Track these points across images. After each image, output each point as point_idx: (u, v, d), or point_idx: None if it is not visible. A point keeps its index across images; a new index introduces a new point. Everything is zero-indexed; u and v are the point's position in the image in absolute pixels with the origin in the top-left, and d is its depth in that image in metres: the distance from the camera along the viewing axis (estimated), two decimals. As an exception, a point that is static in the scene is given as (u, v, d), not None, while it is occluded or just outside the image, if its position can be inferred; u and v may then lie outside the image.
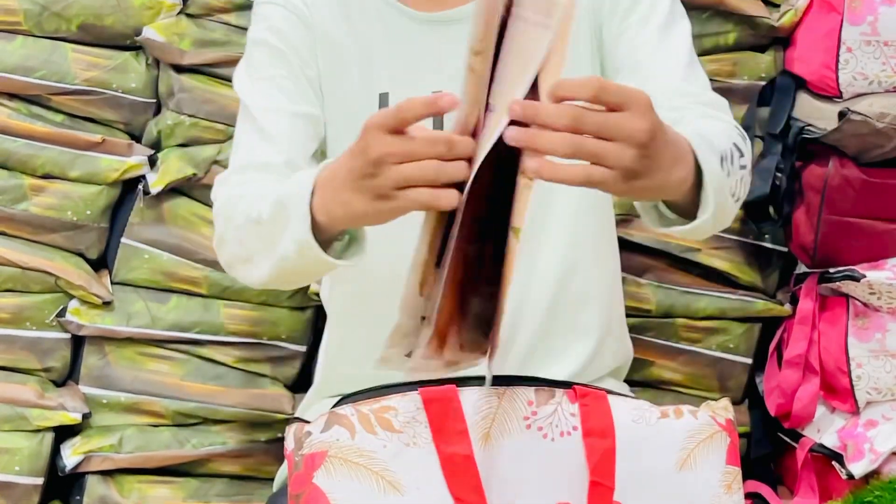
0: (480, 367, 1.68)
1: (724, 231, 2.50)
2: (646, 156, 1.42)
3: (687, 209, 1.63)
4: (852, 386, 2.49)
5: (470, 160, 1.44)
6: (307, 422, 1.63)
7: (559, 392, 1.64)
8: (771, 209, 2.56)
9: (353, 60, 1.98)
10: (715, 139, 1.67)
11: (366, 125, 1.48)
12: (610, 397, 1.66)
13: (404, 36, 1.98)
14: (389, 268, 1.85)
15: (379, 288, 1.90)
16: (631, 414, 1.65)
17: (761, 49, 2.58)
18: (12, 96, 2.44)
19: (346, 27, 1.99)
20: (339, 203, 1.57)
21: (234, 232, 1.86)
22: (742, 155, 1.73)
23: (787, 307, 2.60)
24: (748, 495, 2.40)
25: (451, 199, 1.42)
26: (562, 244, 2.02)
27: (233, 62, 2.30)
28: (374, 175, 1.47)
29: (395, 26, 1.98)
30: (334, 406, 1.66)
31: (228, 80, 2.32)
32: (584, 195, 1.92)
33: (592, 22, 2.01)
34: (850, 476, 2.45)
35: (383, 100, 1.96)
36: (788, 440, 2.60)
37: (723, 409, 1.69)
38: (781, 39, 2.57)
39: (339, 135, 1.99)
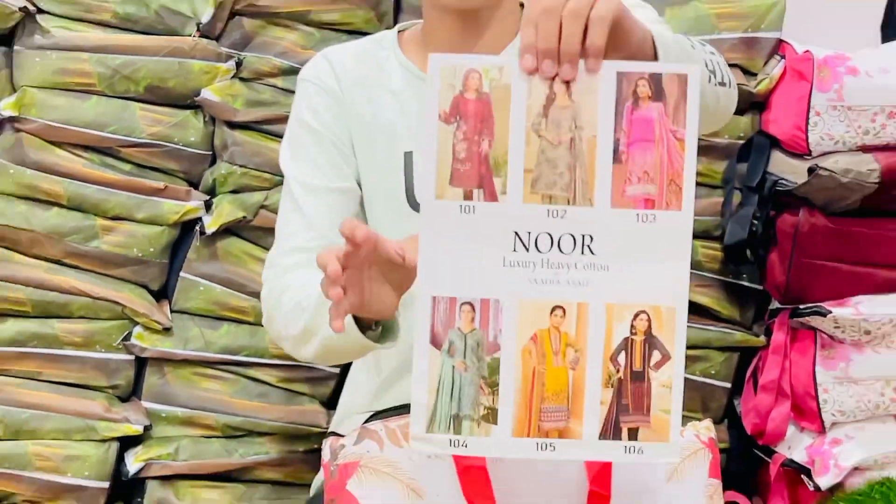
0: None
1: (707, 271, 2.53)
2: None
3: None
4: (819, 408, 2.49)
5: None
6: (341, 435, 1.65)
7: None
8: (748, 252, 2.54)
9: (380, 125, 1.97)
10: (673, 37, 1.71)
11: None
12: None
13: (421, 99, 1.94)
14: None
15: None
16: None
17: (740, 112, 2.51)
18: (87, 148, 2.43)
19: (372, 95, 1.98)
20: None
21: (282, 318, 1.87)
22: (713, 52, 1.80)
23: (762, 339, 2.60)
24: None
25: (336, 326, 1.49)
26: None
27: (279, 119, 2.43)
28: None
29: (417, 92, 1.97)
30: (365, 422, 1.68)
31: (275, 135, 2.43)
32: None
33: None
34: (818, 488, 2.45)
35: (408, 158, 1.95)
36: (763, 456, 2.59)
37: (706, 428, 1.70)
38: (758, 104, 2.57)
39: (374, 192, 1.99)
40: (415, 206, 1.93)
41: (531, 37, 1.46)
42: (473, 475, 1.58)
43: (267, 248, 2.28)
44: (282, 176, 2.23)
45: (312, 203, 1.95)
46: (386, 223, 1.94)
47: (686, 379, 2.38)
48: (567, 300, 1.46)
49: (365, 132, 1.97)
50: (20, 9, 2.38)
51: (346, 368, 2.33)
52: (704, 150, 2.34)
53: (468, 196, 1.45)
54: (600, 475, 1.60)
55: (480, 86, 1.46)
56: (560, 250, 1.45)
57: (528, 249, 1.45)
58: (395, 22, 2.50)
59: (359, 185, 2.00)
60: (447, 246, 1.48)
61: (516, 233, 1.47)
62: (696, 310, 2.53)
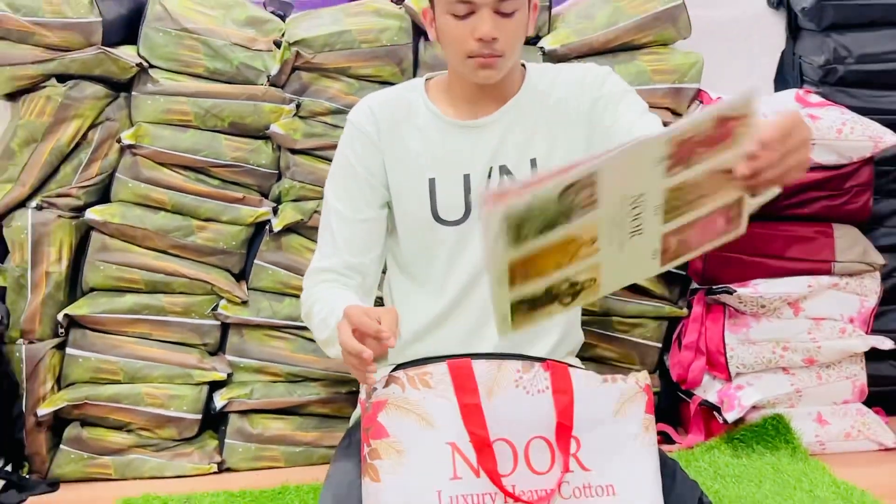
0: (488, 346, 1.86)
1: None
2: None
3: None
4: (727, 362, 2.56)
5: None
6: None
7: (537, 364, 1.70)
8: None
9: (409, 158, 1.97)
10: None
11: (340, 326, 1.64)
12: (570, 369, 1.71)
13: (444, 137, 1.97)
14: (425, 279, 2.01)
15: (416, 292, 2.03)
16: (583, 380, 1.71)
17: None
18: (186, 167, 2.49)
19: (402, 132, 1.98)
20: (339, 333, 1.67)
21: (313, 325, 1.96)
22: None
23: (685, 311, 2.64)
24: (658, 433, 2.38)
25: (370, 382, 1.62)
26: None
27: (328, 147, 2.48)
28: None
29: (438, 130, 1.97)
30: (390, 372, 1.70)
31: (325, 158, 2.50)
32: None
33: (588, 117, 1.97)
34: (725, 421, 2.51)
35: (432, 184, 1.96)
36: (685, 397, 2.64)
37: (643, 377, 1.74)
38: None
39: (405, 210, 1.99)
40: (438, 219, 1.96)
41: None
42: (471, 410, 1.65)
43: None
44: None
45: (341, 230, 1.98)
46: (416, 232, 1.99)
47: (627, 340, 2.64)
48: None
49: (397, 163, 1.97)
50: (137, 65, 2.45)
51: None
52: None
53: None
54: (565, 410, 1.67)
55: None
56: None
57: None
58: (414, 74, 2.54)
59: (389, 206, 2.01)
60: None
61: None
62: (636, 289, 2.57)
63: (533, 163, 1.98)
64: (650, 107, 2.23)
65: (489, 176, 1.97)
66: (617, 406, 1.71)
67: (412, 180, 1.98)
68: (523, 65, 2.02)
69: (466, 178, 1.97)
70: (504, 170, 1.97)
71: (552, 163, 1.97)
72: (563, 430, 1.67)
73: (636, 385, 1.73)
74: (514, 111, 1.98)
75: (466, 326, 1.96)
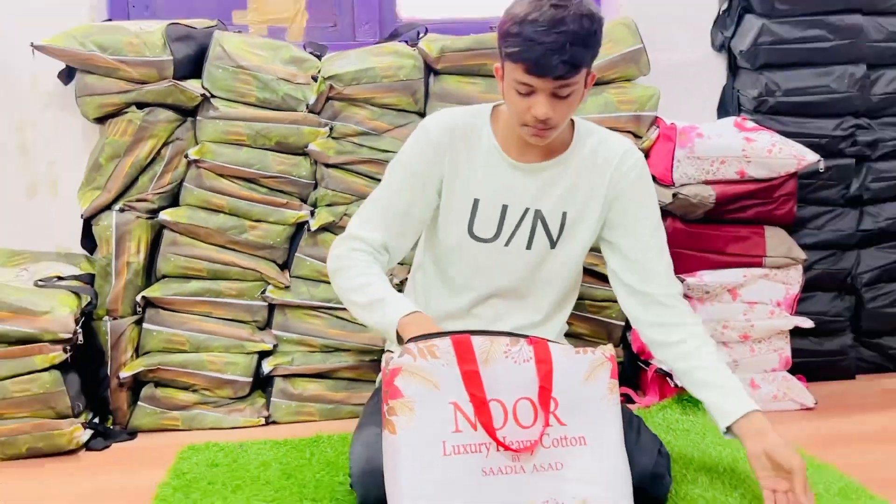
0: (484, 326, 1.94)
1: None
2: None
3: None
4: None
5: None
6: (391, 352, 1.69)
7: (522, 340, 1.71)
8: None
9: (463, 175, 1.94)
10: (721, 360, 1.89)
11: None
12: (549, 343, 1.72)
13: (496, 169, 1.93)
14: (435, 271, 2.02)
15: (440, 288, 2.05)
16: (560, 352, 1.72)
17: None
18: (240, 178, 2.49)
19: (463, 151, 1.94)
20: (405, 329, 1.74)
21: (334, 283, 1.95)
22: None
23: None
24: (622, 394, 2.33)
25: None
26: (558, 288, 2.05)
27: (355, 162, 2.49)
28: None
29: (496, 164, 1.93)
30: (406, 342, 1.70)
31: (353, 172, 2.51)
32: (576, 265, 2.04)
33: (605, 200, 1.95)
34: (676, 385, 2.50)
35: (475, 203, 1.94)
36: (643, 366, 2.61)
37: (608, 349, 1.75)
38: (644, 154, 2.20)
39: (447, 222, 1.98)
40: (472, 235, 1.96)
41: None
42: (471, 376, 1.65)
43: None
44: (357, 196, 2.42)
45: (388, 213, 1.95)
46: (452, 245, 1.98)
47: (597, 320, 2.70)
48: None
49: (454, 178, 1.94)
50: (201, 95, 2.46)
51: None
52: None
53: None
54: (546, 376, 1.68)
55: None
56: None
57: None
58: (426, 104, 2.55)
59: (437, 210, 1.97)
60: None
61: None
62: (604, 278, 2.27)
63: (564, 216, 1.97)
64: (617, 130, 2.27)
65: (523, 214, 1.96)
66: (587, 373, 1.72)
67: (460, 197, 1.96)
68: (572, 121, 1.97)
69: (504, 208, 1.96)
70: (538, 214, 1.97)
71: (582, 218, 1.97)
72: (545, 392, 1.68)
73: (602, 356, 1.74)
74: (562, 166, 1.96)
75: (478, 328, 1.92)
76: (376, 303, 1.85)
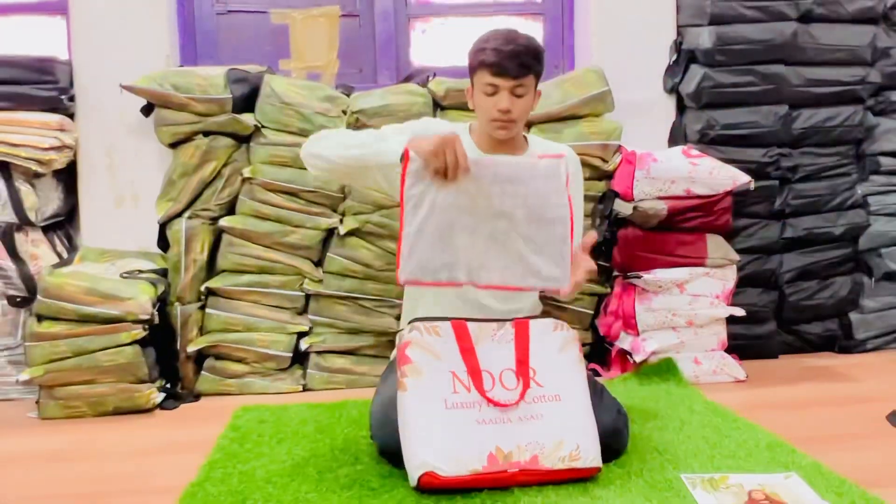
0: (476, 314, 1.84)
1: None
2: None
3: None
4: (636, 324, 2.52)
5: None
6: (401, 330, 1.72)
7: (507, 323, 1.73)
8: (603, 248, 2.56)
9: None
10: None
11: (447, 140, 1.57)
12: (531, 322, 1.74)
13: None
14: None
15: (415, 292, 1.97)
16: (540, 327, 1.74)
17: (599, 179, 2.56)
18: (284, 192, 2.46)
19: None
20: (418, 145, 1.62)
21: (316, 148, 1.77)
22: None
23: (609, 289, 2.61)
24: (590, 369, 2.52)
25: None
26: None
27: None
28: (436, 154, 1.59)
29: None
30: (410, 322, 1.72)
31: (375, 190, 2.27)
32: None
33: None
34: (635, 362, 2.49)
35: None
36: (608, 346, 2.62)
37: (576, 332, 1.78)
38: (609, 176, 2.56)
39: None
40: None
41: None
42: (467, 350, 1.68)
43: (372, 246, 2.43)
44: (377, 207, 2.40)
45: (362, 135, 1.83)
46: None
47: (571, 309, 2.50)
48: None
49: None
50: (254, 125, 2.45)
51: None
52: (588, 198, 2.38)
53: None
54: (523, 351, 1.70)
55: None
56: None
57: None
58: (434, 112, 2.51)
59: None
60: None
61: None
62: None
63: None
64: (588, 156, 2.31)
65: None
66: (560, 346, 1.75)
67: None
68: (525, 137, 2.01)
69: None
70: None
71: None
72: (522, 364, 1.70)
73: (573, 335, 1.77)
74: None
75: (471, 296, 1.87)
76: (377, 136, 1.78)
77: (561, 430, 1.63)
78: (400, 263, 1.66)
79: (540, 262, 1.68)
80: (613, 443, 1.78)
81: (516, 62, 1.81)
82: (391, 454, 1.71)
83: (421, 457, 1.57)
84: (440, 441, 1.57)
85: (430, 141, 1.62)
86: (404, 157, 1.65)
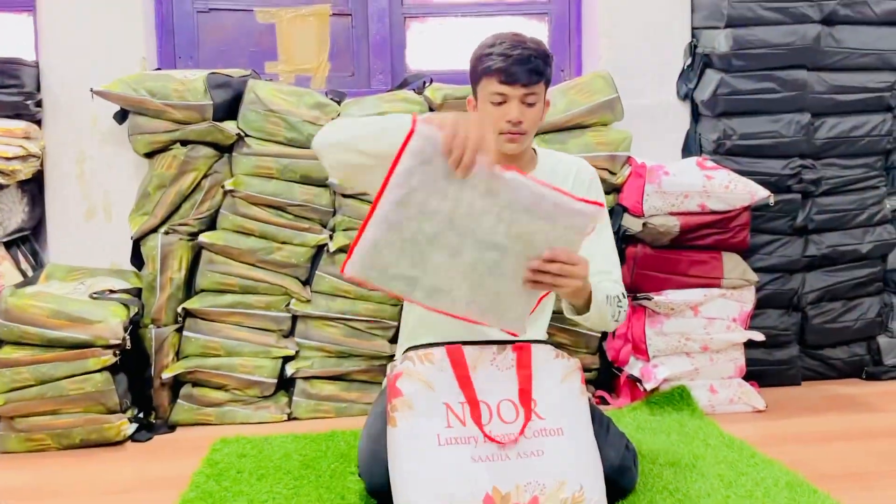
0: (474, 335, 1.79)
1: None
2: (580, 287, 1.59)
3: (581, 312, 1.72)
4: (647, 348, 2.52)
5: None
6: (393, 357, 1.71)
7: (508, 347, 1.70)
8: None
9: None
10: (607, 290, 1.73)
11: (472, 124, 1.42)
12: (532, 347, 1.69)
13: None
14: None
15: (411, 318, 1.94)
16: (542, 353, 1.71)
17: (608, 193, 2.51)
18: (269, 206, 2.45)
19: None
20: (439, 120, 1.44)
21: (332, 135, 1.66)
22: (620, 302, 1.76)
23: None
24: (597, 397, 2.54)
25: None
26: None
27: (367, 193, 2.21)
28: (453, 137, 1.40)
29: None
30: (404, 352, 1.70)
31: (366, 201, 2.43)
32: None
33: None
34: (645, 390, 2.50)
35: None
36: (617, 372, 2.62)
37: (578, 361, 1.74)
38: (617, 189, 2.56)
39: None
40: None
41: None
42: (463, 379, 1.66)
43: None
44: None
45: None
46: None
47: (577, 331, 2.49)
48: None
49: None
50: (236, 134, 2.43)
51: (398, 329, 2.20)
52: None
53: None
54: (526, 379, 1.67)
55: None
56: None
57: None
58: None
59: None
60: None
61: None
62: None
63: None
64: (595, 167, 2.17)
65: None
66: (563, 376, 1.72)
67: None
68: (534, 150, 1.97)
69: None
70: None
71: None
72: (524, 393, 1.67)
73: (574, 364, 1.75)
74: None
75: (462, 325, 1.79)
76: (390, 118, 1.68)
77: (563, 469, 1.61)
78: (353, 253, 1.43)
79: (512, 304, 1.56)
80: (620, 481, 1.76)
81: (526, 68, 1.75)
82: (380, 494, 1.68)
83: (411, 500, 1.54)
84: (432, 483, 1.55)
85: (452, 120, 1.43)
86: (410, 131, 1.42)
